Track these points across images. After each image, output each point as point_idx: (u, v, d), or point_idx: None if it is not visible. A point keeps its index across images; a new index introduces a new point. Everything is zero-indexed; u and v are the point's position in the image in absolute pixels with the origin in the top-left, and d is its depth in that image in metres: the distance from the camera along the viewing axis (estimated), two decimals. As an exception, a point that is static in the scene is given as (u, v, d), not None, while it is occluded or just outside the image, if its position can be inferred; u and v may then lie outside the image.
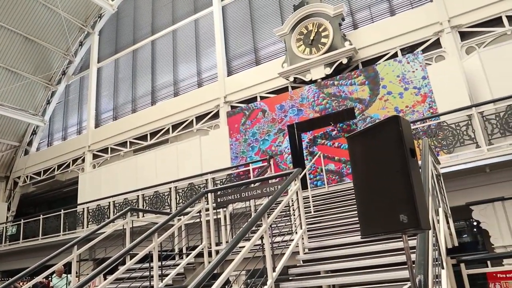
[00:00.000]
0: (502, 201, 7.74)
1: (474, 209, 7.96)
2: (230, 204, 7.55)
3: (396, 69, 10.72)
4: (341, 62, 11.90)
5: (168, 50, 17.57)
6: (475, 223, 9.16)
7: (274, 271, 4.60)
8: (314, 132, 11.79)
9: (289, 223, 6.43)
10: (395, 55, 11.68)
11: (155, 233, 5.97)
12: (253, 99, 13.97)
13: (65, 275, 9.32)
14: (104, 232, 7.81)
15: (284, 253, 5.14)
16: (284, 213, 6.81)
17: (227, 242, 7.30)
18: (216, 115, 14.87)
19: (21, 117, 20.49)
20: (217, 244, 7.30)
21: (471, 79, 9.60)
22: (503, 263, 6.75)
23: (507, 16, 10.45)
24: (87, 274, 5.51)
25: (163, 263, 6.54)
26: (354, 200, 7.23)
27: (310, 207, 8.00)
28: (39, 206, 22.46)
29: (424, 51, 11.21)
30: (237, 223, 8.05)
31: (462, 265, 5.28)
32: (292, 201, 6.36)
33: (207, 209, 7.16)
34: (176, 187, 12.47)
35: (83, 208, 14.81)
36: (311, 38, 12.46)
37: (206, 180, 11.87)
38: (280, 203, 5.43)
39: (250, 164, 11.56)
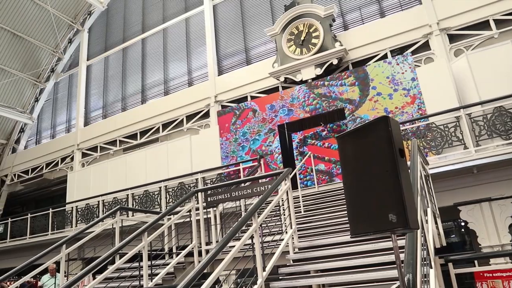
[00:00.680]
0: (489, 201, 7.87)
1: (462, 209, 8.07)
2: (220, 203, 7.56)
3: (386, 70, 10.81)
4: (332, 62, 11.95)
5: (158, 49, 17.48)
6: (462, 223, 9.28)
7: (264, 270, 4.62)
8: (304, 132, 11.84)
9: (279, 222, 6.45)
10: (385, 57, 11.76)
11: (145, 232, 5.95)
12: (243, 99, 13.97)
13: (59, 273, 9.27)
14: (93, 231, 7.77)
15: (274, 253, 5.15)
16: (274, 212, 6.83)
17: (217, 241, 7.30)
18: (206, 115, 14.84)
19: (8, 115, 20.21)
20: (207, 244, 7.30)
21: (459, 81, 9.71)
22: (490, 263, 6.86)
23: (494, 20, 10.59)
24: (76, 274, 5.47)
25: (152, 263, 6.52)
26: (344, 200, 7.28)
27: (300, 207, 8.03)
28: (27, 205, 22.21)
29: (413, 53, 11.31)
30: (227, 222, 8.06)
31: (450, 265, 5.35)
32: (282, 200, 6.38)
33: (197, 209, 7.15)
34: (166, 186, 12.44)
35: (72, 207, 14.70)
36: (302, 38, 12.50)
37: (196, 179, 11.86)
38: (270, 203, 5.45)
39: (241, 164, 11.59)
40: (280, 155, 11.86)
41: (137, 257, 6.12)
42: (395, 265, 4.23)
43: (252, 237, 4.67)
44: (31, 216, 15.87)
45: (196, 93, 15.23)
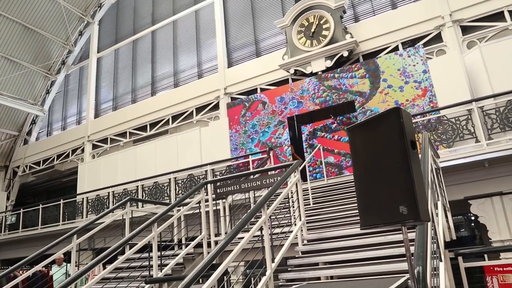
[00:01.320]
0: (500, 195, 7.78)
1: (473, 203, 7.99)
2: (230, 195, 7.58)
3: (397, 62, 10.70)
4: (342, 55, 11.86)
5: (168, 41, 17.49)
6: (473, 218, 9.21)
7: (273, 262, 4.63)
8: (314, 124, 11.79)
9: (288, 214, 6.46)
10: (396, 49, 11.64)
11: (155, 223, 5.99)
12: (253, 91, 13.94)
13: (65, 263, 9.39)
14: (104, 222, 7.85)
15: (283, 245, 5.16)
16: (283, 204, 6.83)
17: (226, 233, 7.33)
18: (216, 107, 14.85)
19: (20, 107, 20.41)
20: (216, 235, 7.33)
21: (472, 73, 9.58)
22: (500, 257, 6.80)
23: (509, 11, 10.40)
24: (87, 263, 5.54)
25: (162, 253, 6.57)
26: (353, 193, 7.26)
27: (309, 199, 8.03)
28: (38, 196, 22.49)
29: (425, 45, 11.17)
30: (236, 214, 8.08)
31: (460, 259, 5.31)
32: (292, 193, 6.38)
33: (206, 200, 7.18)
34: (175, 178, 12.49)
35: (83, 198, 14.84)
36: (312, 30, 12.41)
37: (206, 171, 11.89)
38: (279, 195, 5.45)
39: (250, 156, 11.58)
40: (290, 148, 11.83)
41: (147, 247, 6.17)
42: (404, 258, 4.22)
43: (261, 229, 4.67)
44: (43, 207, 16.05)
45: (205, 85, 15.23)
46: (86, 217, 14.32)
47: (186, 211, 7.35)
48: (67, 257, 6.95)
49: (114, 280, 6.37)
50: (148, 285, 5.69)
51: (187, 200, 7.28)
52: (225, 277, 5.97)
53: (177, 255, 6.76)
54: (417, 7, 11.64)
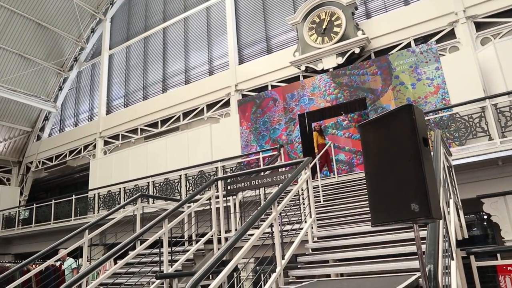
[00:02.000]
0: (514, 194, 7.67)
1: (485, 202, 7.89)
2: (240, 192, 7.58)
3: (409, 59, 10.60)
4: (354, 51, 11.78)
5: (179, 38, 17.54)
6: (485, 216, 9.10)
7: (283, 258, 4.63)
8: (325, 121, 11.74)
9: (299, 212, 6.44)
10: (408, 45, 11.53)
11: (165, 219, 6.02)
12: (264, 88, 13.93)
13: (68, 258, 9.60)
14: (115, 218, 7.92)
15: (293, 242, 5.16)
16: (294, 202, 6.82)
17: (236, 229, 7.34)
18: (227, 103, 14.87)
19: (33, 103, 20.66)
20: (227, 232, 7.35)
21: (486, 70, 9.45)
22: (514, 257, 6.71)
23: (524, 7, 10.25)
24: (98, 258, 5.59)
25: (172, 249, 6.60)
26: (364, 191, 7.21)
27: (319, 196, 8.00)
28: (51, 191, 22.78)
29: (438, 41, 11.04)
30: (246, 211, 8.09)
31: (472, 258, 5.26)
32: (302, 190, 6.36)
33: (217, 197, 7.20)
34: (186, 174, 12.54)
35: (94, 194, 14.98)
36: (324, 27, 12.34)
37: (216, 168, 11.92)
38: (290, 192, 5.44)
39: (260, 153, 11.57)
40: (300, 145, 11.80)
41: (158, 243, 6.20)
42: (415, 256, 4.18)
43: (271, 226, 4.67)
44: (55, 202, 16.25)
45: (216, 82, 15.25)
46: (98, 212, 14.46)
47: (196, 208, 7.38)
48: (78, 252, 7.02)
49: (125, 275, 6.43)
50: (158, 281, 5.72)
51: (198, 197, 7.30)
52: (235, 273, 5.99)
53: (187, 251, 6.78)
54: (430, 3, 11.50)
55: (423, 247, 2.83)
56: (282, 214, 5.99)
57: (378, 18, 12.42)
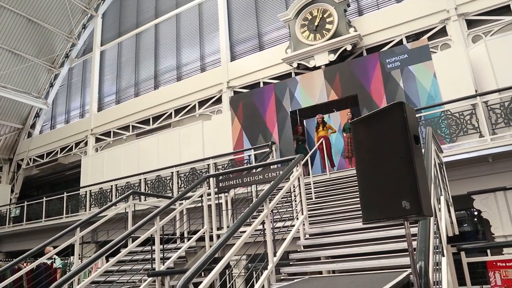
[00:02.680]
0: (504, 190, 7.73)
1: (476, 198, 7.95)
2: (232, 189, 7.58)
3: (401, 56, 10.60)
4: (346, 48, 11.79)
5: (171, 34, 17.45)
6: (476, 213, 9.18)
7: (275, 256, 4.63)
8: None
9: (291, 209, 6.45)
10: (400, 43, 11.57)
11: (157, 216, 6.01)
12: (256, 85, 13.91)
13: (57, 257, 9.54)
14: (106, 215, 7.87)
15: (285, 239, 5.16)
16: (286, 199, 6.83)
17: (228, 226, 7.34)
18: (218, 100, 14.83)
19: (24, 100, 20.43)
20: (219, 229, 7.35)
21: (477, 68, 9.51)
22: (503, 252, 6.78)
23: (515, 5, 10.31)
24: (89, 256, 5.56)
25: (164, 247, 6.59)
26: (356, 187, 7.23)
27: (311, 193, 8.02)
28: (42, 189, 22.59)
29: (429, 39, 11.09)
30: (238, 208, 8.09)
31: (463, 254, 5.31)
32: (294, 187, 6.37)
33: (208, 194, 7.19)
34: (178, 171, 12.51)
35: (86, 191, 14.89)
36: (316, 23, 12.34)
37: (208, 165, 11.90)
38: (281, 189, 5.44)
39: (252, 150, 11.56)
40: (293, 142, 11.78)
41: (149, 241, 6.18)
42: (406, 253, 4.20)
43: (263, 223, 4.67)
44: (46, 200, 16.14)
45: (208, 78, 15.21)
46: (89, 210, 14.38)
47: (188, 205, 7.36)
48: (70, 250, 6.97)
49: (117, 273, 6.40)
50: (150, 278, 5.71)
51: (190, 194, 7.29)
52: (227, 270, 5.99)
53: (179, 248, 6.78)
54: (422, 0, 11.54)
55: (414, 244, 2.85)
56: (274, 211, 5.99)
57: (370, 15, 12.44)
